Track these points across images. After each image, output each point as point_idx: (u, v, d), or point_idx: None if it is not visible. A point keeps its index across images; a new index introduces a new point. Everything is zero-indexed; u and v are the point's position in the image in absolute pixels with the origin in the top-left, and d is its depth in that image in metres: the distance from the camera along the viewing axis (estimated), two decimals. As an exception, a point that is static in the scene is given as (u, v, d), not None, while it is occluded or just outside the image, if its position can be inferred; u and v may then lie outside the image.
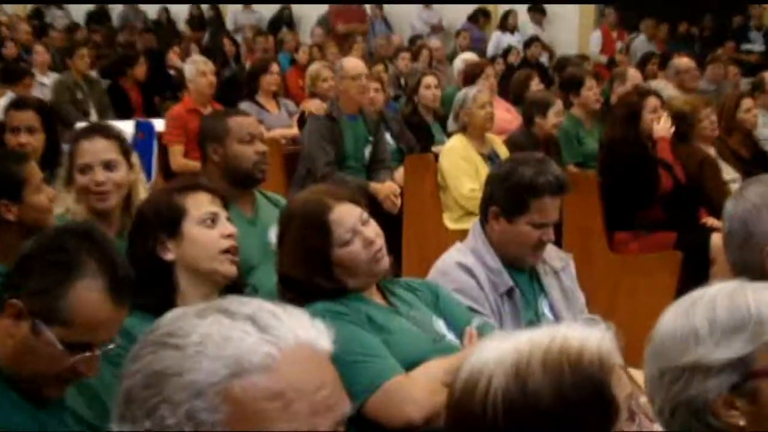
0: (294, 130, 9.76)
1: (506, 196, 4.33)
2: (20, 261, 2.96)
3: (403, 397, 3.50)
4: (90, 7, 23.98)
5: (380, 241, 3.82)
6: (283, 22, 21.21)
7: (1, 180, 4.31)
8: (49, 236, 3.08)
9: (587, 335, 1.94)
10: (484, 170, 7.65)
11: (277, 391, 1.52)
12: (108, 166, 4.73)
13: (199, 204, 3.82)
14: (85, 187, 4.71)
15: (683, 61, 11.42)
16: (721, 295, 2.35)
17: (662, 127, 7.42)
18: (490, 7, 19.79)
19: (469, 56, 12.77)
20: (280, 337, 1.56)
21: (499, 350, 1.94)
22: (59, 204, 4.73)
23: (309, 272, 3.75)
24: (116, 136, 4.98)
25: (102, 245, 2.93)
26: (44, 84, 12.30)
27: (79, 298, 2.82)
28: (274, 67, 10.81)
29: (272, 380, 1.52)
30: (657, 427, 2.18)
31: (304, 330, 1.60)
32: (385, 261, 3.86)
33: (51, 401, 2.95)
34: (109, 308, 2.86)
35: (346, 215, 3.78)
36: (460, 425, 1.98)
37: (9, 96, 10.93)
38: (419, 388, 3.53)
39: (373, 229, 3.83)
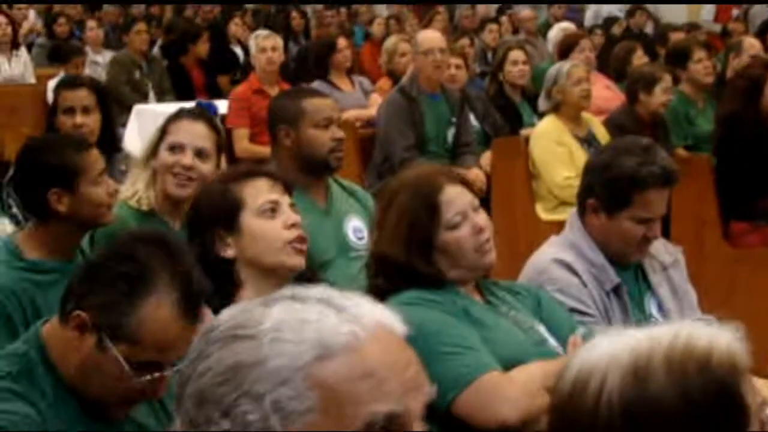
0: (370, 111, 9.66)
1: (606, 189, 4.26)
2: (87, 269, 3.02)
3: (498, 396, 3.51)
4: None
5: (489, 232, 3.78)
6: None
7: (54, 166, 4.28)
8: (119, 243, 3.08)
9: (715, 334, 1.86)
10: (581, 155, 7.67)
11: (367, 371, 1.53)
12: (200, 153, 4.82)
13: (258, 193, 3.81)
14: (169, 166, 4.79)
15: None
16: None
17: None
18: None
19: (566, 26, 12.66)
20: (361, 317, 1.57)
21: (614, 348, 1.88)
22: (129, 186, 4.88)
23: (409, 253, 3.71)
24: (217, 130, 5.14)
25: (177, 255, 2.93)
26: (97, 63, 12.35)
27: (148, 316, 2.83)
28: (342, 43, 10.83)
29: (361, 360, 1.53)
30: None
31: (379, 311, 1.61)
32: (492, 255, 3.82)
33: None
34: (181, 326, 2.84)
35: (458, 198, 3.76)
36: (566, 428, 1.94)
37: (62, 73, 10.99)
38: (517, 388, 3.53)
39: (483, 218, 3.80)
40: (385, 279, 3.75)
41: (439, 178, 3.83)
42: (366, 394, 1.51)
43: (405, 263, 3.69)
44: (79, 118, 5.85)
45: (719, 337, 1.86)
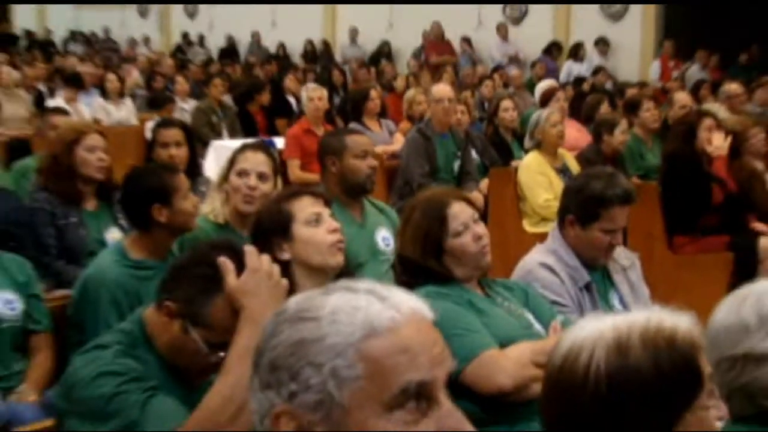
0: (394, 147, 9.68)
1: (580, 207, 4.30)
2: (174, 270, 2.99)
3: (496, 368, 3.49)
4: (222, 44, 24.38)
5: (487, 239, 3.80)
6: (383, 55, 21.27)
7: (156, 187, 4.36)
8: (199, 250, 3.07)
9: (678, 318, 1.92)
10: (557, 182, 7.68)
11: (404, 347, 1.54)
12: (261, 177, 4.85)
13: (303, 207, 3.81)
14: (238, 188, 4.82)
15: (733, 87, 11.38)
16: None
17: (719, 146, 7.28)
18: (561, 39, 19.63)
19: (548, 83, 12.50)
20: (399, 304, 1.59)
21: (599, 328, 1.93)
22: (208, 204, 4.90)
23: (424, 255, 3.74)
24: (273, 157, 5.16)
25: (243, 260, 2.88)
26: (185, 109, 12.39)
27: (219, 308, 2.81)
28: (374, 94, 10.84)
29: (398, 338, 1.55)
30: (723, 407, 2.16)
31: (413, 300, 1.62)
32: (489, 258, 3.83)
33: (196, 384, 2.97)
34: None
35: (462, 212, 3.77)
36: (559, 394, 1.97)
37: (156, 120, 11.11)
38: (511, 362, 3.51)
39: (482, 228, 3.82)
40: (407, 276, 3.77)
41: (447, 197, 3.87)
42: (402, 365, 1.52)
43: (422, 264, 3.72)
44: (172, 151, 5.91)
45: (681, 321, 1.93)
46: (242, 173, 4.85)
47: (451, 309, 3.56)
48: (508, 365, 3.50)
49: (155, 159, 5.97)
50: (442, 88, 8.94)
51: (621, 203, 4.26)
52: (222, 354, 2.80)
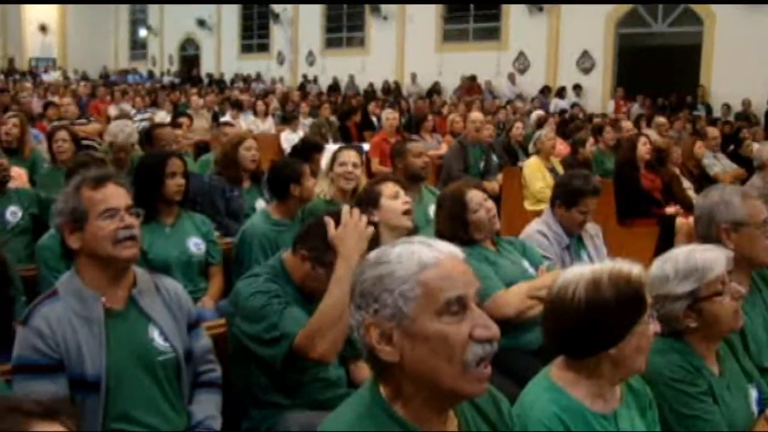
0: (440, 151, 9.58)
1: (565, 195, 4.28)
2: (305, 229, 2.97)
3: (504, 302, 3.49)
4: (329, 82, 24.46)
5: (494, 212, 3.80)
6: (434, 91, 21.20)
7: (294, 172, 4.39)
8: (320, 217, 3.00)
9: (632, 266, 2.05)
10: (548, 177, 7.65)
11: (445, 274, 1.55)
12: (354, 165, 4.87)
13: (388, 189, 3.80)
14: (341, 174, 4.81)
15: (661, 119, 11.46)
16: (682, 254, 2.51)
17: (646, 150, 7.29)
18: (551, 84, 19.49)
19: (539, 113, 12.42)
20: (440, 248, 1.60)
21: (581, 271, 2.07)
22: (319, 186, 4.85)
23: (453, 228, 3.71)
24: (360, 154, 5.16)
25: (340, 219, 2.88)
26: (305, 124, 12.41)
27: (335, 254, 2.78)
28: (429, 117, 10.84)
29: (441, 269, 1.56)
30: (657, 324, 2.13)
31: (449, 246, 1.63)
32: (497, 223, 3.83)
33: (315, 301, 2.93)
34: None
35: (475, 195, 3.76)
36: (555, 313, 2.09)
37: (287, 131, 11.16)
38: (513, 298, 3.51)
39: (490, 204, 3.81)
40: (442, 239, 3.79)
41: (466, 187, 3.87)
42: (446, 286, 1.53)
43: (452, 234, 3.67)
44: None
45: (634, 267, 2.05)
46: (343, 164, 4.85)
47: (473, 263, 3.47)
48: (512, 300, 3.51)
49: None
50: (476, 115, 8.87)
51: (592, 195, 4.27)
52: None
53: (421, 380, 1.56)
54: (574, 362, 2.10)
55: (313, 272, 2.83)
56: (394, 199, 3.77)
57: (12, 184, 4.87)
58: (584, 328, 2.02)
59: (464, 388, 1.56)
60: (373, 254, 1.63)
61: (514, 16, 20.41)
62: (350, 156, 4.93)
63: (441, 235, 3.77)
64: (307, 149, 6.07)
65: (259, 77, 27.50)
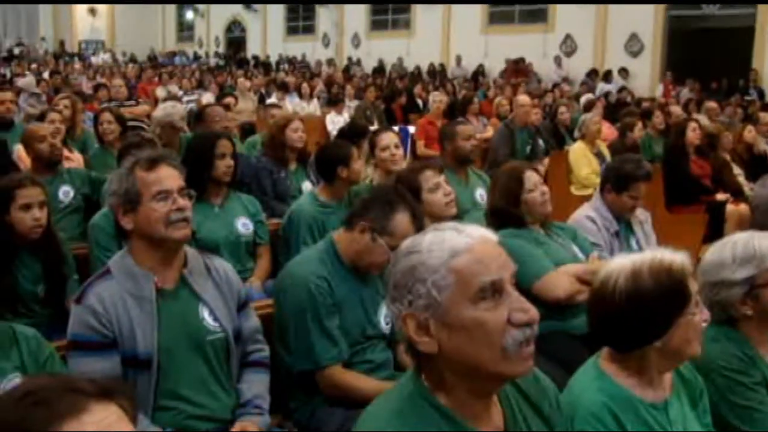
0: (487, 134, 9.51)
1: (616, 180, 4.21)
2: (363, 202, 3.02)
3: (554, 284, 3.48)
4: (375, 64, 24.42)
5: (548, 196, 3.77)
6: (479, 74, 21.04)
7: (342, 154, 4.35)
8: (377, 190, 3.17)
9: (674, 255, 2.01)
10: (594, 162, 7.57)
11: (477, 259, 1.51)
12: (396, 146, 4.90)
13: (427, 178, 3.72)
14: (386, 158, 4.83)
15: (711, 104, 11.23)
16: (741, 240, 2.45)
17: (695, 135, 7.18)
18: (598, 67, 19.21)
19: (589, 96, 12.23)
20: (471, 233, 1.55)
21: (623, 262, 2.03)
22: (364, 170, 4.83)
23: (507, 204, 3.71)
24: (399, 135, 5.17)
25: (405, 195, 3.00)
26: (350, 107, 12.42)
27: (398, 221, 2.86)
28: (474, 100, 10.75)
29: (473, 254, 1.52)
30: (706, 312, 2.17)
31: (481, 230, 1.58)
32: (549, 207, 3.79)
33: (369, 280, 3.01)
34: (412, 230, 2.83)
35: (532, 176, 3.76)
36: (597, 303, 2.07)
37: (333, 113, 11.17)
38: (563, 280, 3.50)
39: (545, 188, 3.80)
40: (495, 221, 3.69)
41: (524, 166, 3.88)
42: (478, 271, 1.49)
43: (504, 210, 3.71)
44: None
45: (676, 256, 2.01)
46: (385, 148, 4.86)
47: (523, 244, 3.55)
48: (562, 282, 3.49)
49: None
50: (524, 98, 8.77)
51: (644, 180, 4.20)
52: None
53: (462, 369, 1.53)
54: (620, 354, 2.07)
55: (372, 244, 2.85)
56: (434, 191, 3.71)
57: (67, 165, 4.95)
58: (626, 321, 1.99)
59: (508, 370, 1.53)
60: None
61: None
62: (390, 138, 4.94)
63: (493, 211, 3.82)
64: (354, 133, 6.04)
65: (304, 59, 27.56)
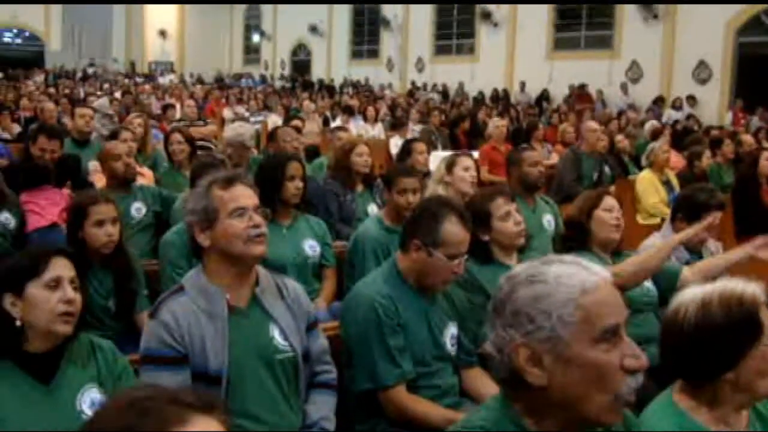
0: (551, 161, 9.40)
1: (689, 209, 4.14)
2: (411, 220, 3.02)
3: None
4: (438, 89, 24.46)
5: (622, 223, 3.78)
6: (543, 99, 20.93)
7: (408, 171, 4.41)
8: (421, 205, 3.12)
9: (746, 285, 1.97)
10: (662, 191, 7.42)
11: (605, 301, 1.50)
12: (468, 169, 4.93)
13: (498, 206, 3.58)
14: (464, 179, 4.87)
15: None
16: None
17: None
18: (665, 94, 18.92)
19: (653, 123, 11.99)
20: (597, 272, 1.54)
21: (694, 292, 2.01)
22: (430, 192, 4.76)
23: (573, 232, 3.77)
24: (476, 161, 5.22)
25: (448, 201, 3.03)
26: (414, 131, 12.42)
27: (448, 230, 2.86)
28: (539, 127, 10.69)
29: (601, 295, 1.50)
30: None
31: (603, 269, 1.57)
32: (619, 233, 3.78)
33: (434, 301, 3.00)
34: (464, 233, 2.87)
35: (610, 201, 3.79)
36: (668, 333, 2.04)
37: (396, 137, 11.22)
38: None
39: (618, 212, 3.79)
40: (562, 245, 3.73)
41: (599, 195, 3.87)
42: (605, 312, 1.48)
43: (571, 239, 3.70)
44: (420, 157, 5.97)
45: (748, 287, 1.96)
46: (467, 168, 4.86)
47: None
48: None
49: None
50: (593, 124, 8.69)
51: (717, 210, 4.09)
52: (458, 260, 2.86)
53: (565, 405, 1.52)
54: (694, 387, 2.03)
55: (428, 260, 2.85)
56: (505, 219, 3.58)
57: (140, 181, 5.07)
58: (696, 351, 1.96)
59: (607, 418, 1.52)
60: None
61: (628, 23, 19.91)
62: (470, 161, 4.95)
63: (568, 225, 3.86)
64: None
65: (367, 83, 27.79)
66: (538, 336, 1.50)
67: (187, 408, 1.08)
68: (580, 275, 1.52)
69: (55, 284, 2.26)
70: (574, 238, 3.69)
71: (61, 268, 2.29)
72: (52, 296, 2.24)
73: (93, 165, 5.79)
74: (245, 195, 2.54)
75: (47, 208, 4.85)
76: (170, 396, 1.10)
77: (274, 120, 13.44)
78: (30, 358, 2.23)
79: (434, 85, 24.59)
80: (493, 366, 1.59)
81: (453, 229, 2.86)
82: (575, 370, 1.49)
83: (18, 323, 2.22)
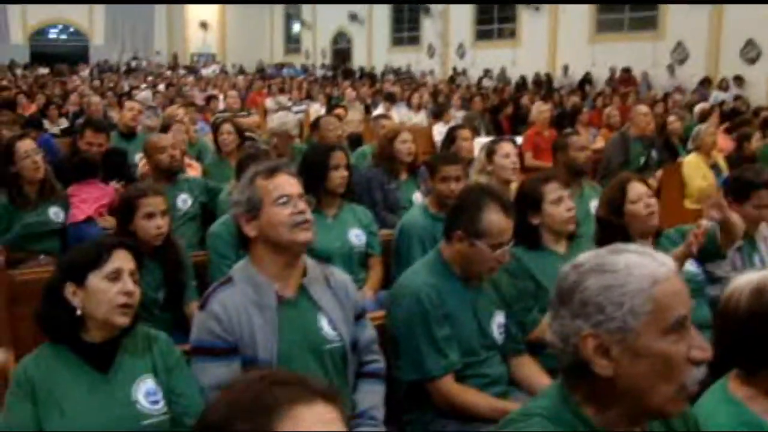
0: (596, 145, 9.27)
1: (736, 189, 4.00)
2: (453, 211, 3.00)
3: None
4: (480, 74, 24.30)
5: (654, 209, 3.66)
6: (585, 83, 20.67)
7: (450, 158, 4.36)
8: (462, 195, 3.09)
9: None
10: (709, 174, 7.27)
11: (675, 291, 1.49)
12: (517, 156, 4.93)
13: (551, 190, 3.53)
14: (506, 166, 4.81)
15: None
16: None
17: None
18: (711, 75, 18.56)
19: (703, 105, 11.72)
20: (665, 262, 1.52)
21: (749, 278, 1.99)
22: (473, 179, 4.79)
23: (611, 214, 3.65)
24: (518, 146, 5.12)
25: (490, 190, 3.00)
26: (457, 117, 12.37)
27: (489, 219, 2.84)
28: (583, 111, 10.57)
29: (671, 285, 1.49)
30: None
31: (669, 259, 1.54)
32: (655, 219, 3.68)
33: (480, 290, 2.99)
34: (506, 221, 2.86)
35: (637, 186, 3.67)
36: (722, 321, 2.02)
37: (440, 124, 11.17)
38: None
39: (653, 201, 3.69)
40: (601, 232, 3.67)
41: (630, 177, 3.78)
42: (675, 304, 1.47)
43: (608, 219, 3.64)
44: (464, 144, 5.92)
45: None
46: (507, 155, 4.80)
47: None
48: None
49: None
50: (644, 108, 8.57)
51: (766, 187, 3.95)
52: (503, 249, 2.85)
53: (630, 396, 1.51)
54: (748, 376, 1.98)
55: (472, 250, 2.84)
56: (557, 204, 3.51)
57: (190, 173, 5.13)
58: (748, 339, 1.92)
59: (671, 409, 1.51)
60: (591, 260, 1.55)
61: (673, 4, 19.55)
62: (510, 147, 4.91)
63: (599, 220, 3.75)
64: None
65: (409, 70, 27.73)
66: (607, 326, 1.49)
67: (316, 392, 1.15)
68: (651, 265, 1.50)
69: (116, 276, 2.30)
70: (611, 234, 3.62)
71: (122, 260, 2.34)
72: (112, 288, 2.28)
73: (140, 157, 5.86)
74: (288, 183, 2.55)
75: (87, 201, 4.91)
76: (300, 378, 1.17)
77: (317, 109, 13.47)
78: (88, 347, 2.28)
79: (487, 72, 24.34)
80: (556, 355, 1.58)
81: (495, 218, 2.84)
82: (643, 361, 1.48)
83: (78, 312, 2.27)
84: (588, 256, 1.57)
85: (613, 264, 1.52)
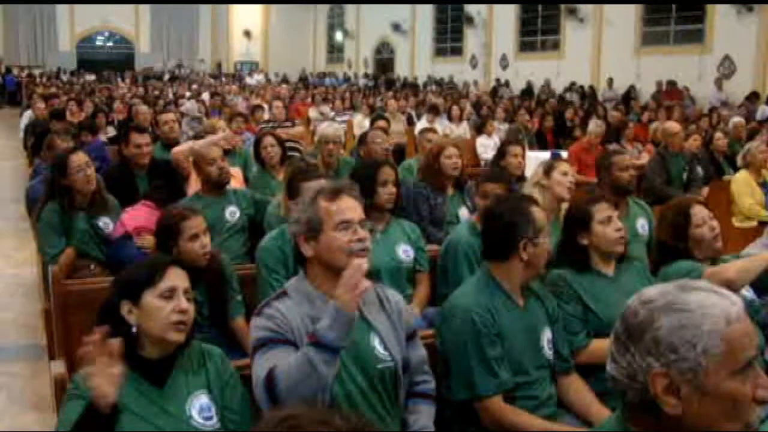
0: (642, 162, 9.15)
1: None
2: (506, 226, 2.96)
3: (722, 269, 3.36)
4: (522, 86, 24.17)
5: (718, 231, 3.65)
6: (631, 96, 20.47)
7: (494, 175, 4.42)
8: (500, 207, 3.09)
9: None
10: (759, 193, 7.21)
11: (747, 332, 1.49)
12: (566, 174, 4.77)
13: (600, 210, 3.47)
14: (563, 183, 4.69)
15: None
16: None
17: None
18: (759, 90, 18.25)
19: (737, 119, 11.02)
20: (735, 301, 1.52)
21: None
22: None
23: (674, 237, 3.64)
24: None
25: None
26: (500, 129, 12.34)
27: (536, 215, 2.99)
28: (629, 125, 10.48)
29: (743, 326, 1.48)
30: None
31: (737, 297, 1.54)
32: (720, 243, 3.65)
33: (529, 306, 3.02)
34: (540, 211, 3.03)
35: (701, 211, 3.67)
36: None
37: (483, 136, 11.15)
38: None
39: (716, 223, 3.67)
40: (660, 255, 3.65)
41: (692, 201, 3.77)
42: (747, 344, 1.47)
43: (671, 243, 3.62)
44: (513, 160, 5.90)
45: None
46: (565, 173, 4.71)
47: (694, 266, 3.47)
48: (728, 268, 3.37)
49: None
50: (673, 125, 8.48)
51: None
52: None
53: None
54: None
55: (538, 250, 2.95)
56: (606, 224, 3.47)
57: (231, 182, 5.16)
58: None
59: None
60: (660, 296, 1.54)
61: (720, 17, 19.29)
62: (569, 167, 4.86)
63: (661, 244, 3.72)
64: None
65: (451, 81, 27.72)
66: (679, 366, 1.48)
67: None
68: (722, 304, 1.50)
69: (170, 294, 2.34)
70: (673, 258, 3.58)
71: (176, 278, 2.37)
72: (167, 306, 2.32)
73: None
74: (351, 208, 2.54)
75: (130, 218, 4.87)
76: (324, 417, 1.15)
77: (359, 120, 13.51)
78: (145, 363, 2.32)
79: (549, 85, 24.22)
80: (618, 389, 1.58)
81: (539, 213, 2.99)
82: (711, 401, 1.47)
83: (134, 330, 2.31)
84: (656, 292, 1.56)
85: (685, 303, 1.51)
